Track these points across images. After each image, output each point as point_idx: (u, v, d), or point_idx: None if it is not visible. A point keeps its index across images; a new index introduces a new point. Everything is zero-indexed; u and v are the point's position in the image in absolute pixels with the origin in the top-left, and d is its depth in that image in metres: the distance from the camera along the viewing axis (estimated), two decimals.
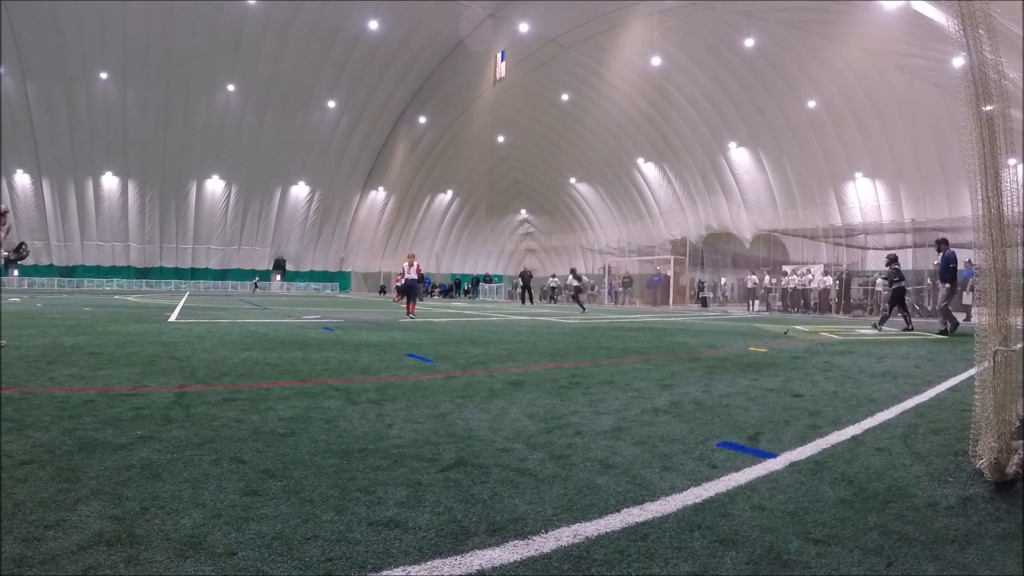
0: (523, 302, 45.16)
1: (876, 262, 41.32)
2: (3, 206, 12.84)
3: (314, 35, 57.50)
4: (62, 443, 4.83)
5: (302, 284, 75.33)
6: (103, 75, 57.71)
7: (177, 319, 16.74)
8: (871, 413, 6.62)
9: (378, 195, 78.09)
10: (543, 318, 25.62)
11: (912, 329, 19.91)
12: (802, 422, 6.15)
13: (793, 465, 4.57)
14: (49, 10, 50.78)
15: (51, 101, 57.80)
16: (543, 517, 3.53)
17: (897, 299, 20.73)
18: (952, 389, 8.26)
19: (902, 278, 20.89)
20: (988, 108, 4.53)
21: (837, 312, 35.46)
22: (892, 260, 21.17)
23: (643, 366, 9.78)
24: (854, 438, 5.57)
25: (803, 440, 5.44)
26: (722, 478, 4.35)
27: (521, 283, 46.22)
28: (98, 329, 15.38)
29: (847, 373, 9.67)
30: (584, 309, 36.77)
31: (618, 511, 3.66)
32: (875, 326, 20.17)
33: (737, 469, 4.55)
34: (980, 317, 4.58)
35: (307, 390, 7.41)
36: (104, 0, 51.06)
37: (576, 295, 41.21)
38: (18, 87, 56.73)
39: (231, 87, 62.36)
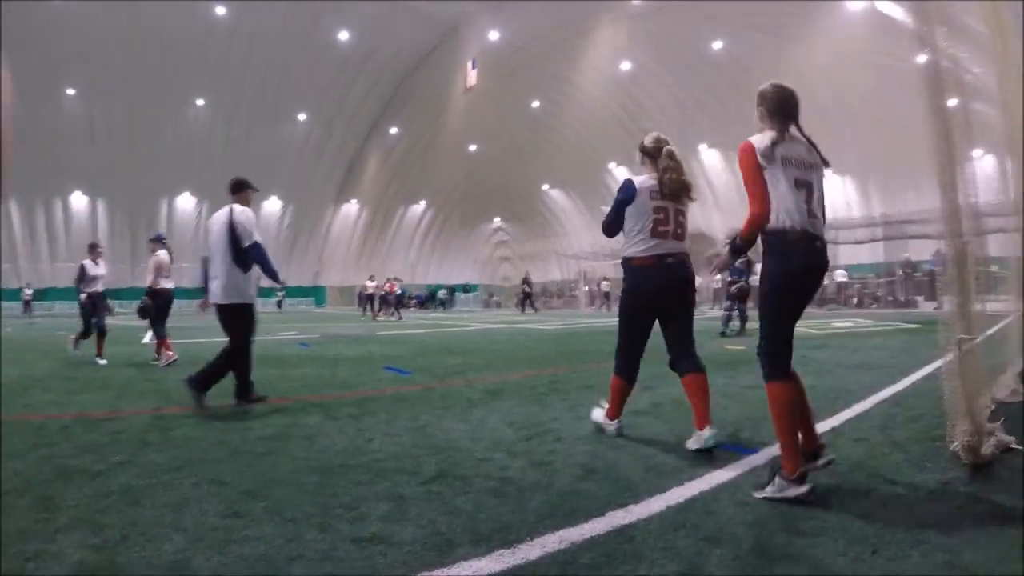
0: (523, 310, 44.72)
1: (848, 257, 41.69)
2: None
3: (282, 47, 56.90)
4: (39, 471, 4.77)
5: (274, 298, 74.94)
6: (70, 91, 57.02)
7: (151, 340, 16.56)
8: (849, 404, 6.70)
9: (351, 207, 77.36)
10: (520, 325, 25.63)
11: (743, 334, 16.43)
12: None
13: (775, 460, 4.58)
14: (13, 27, 50.22)
15: (16, 119, 57.01)
16: (527, 524, 3.52)
17: (740, 296, 17.16)
18: (928, 377, 8.34)
19: (742, 274, 16.95)
20: (949, 103, 4.58)
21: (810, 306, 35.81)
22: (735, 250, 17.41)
23: (598, 372, 9.78)
24: (833, 429, 5.67)
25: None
26: (704, 476, 4.37)
27: (526, 290, 45.81)
28: (71, 353, 15.25)
29: (824, 367, 9.79)
30: (536, 310, 41.34)
31: (603, 514, 3.66)
32: (722, 334, 16.39)
33: (720, 466, 4.57)
34: (944, 306, 4.65)
35: (285, 408, 7.39)
36: (68, 16, 50.56)
37: (526, 299, 43.57)
38: None
39: (200, 101, 61.71)
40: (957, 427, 4.43)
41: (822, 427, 5.68)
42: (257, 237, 7.73)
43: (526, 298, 43.80)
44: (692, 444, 5.04)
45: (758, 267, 4.72)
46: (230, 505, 3.95)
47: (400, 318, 34.19)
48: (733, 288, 17.12)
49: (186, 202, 69.40)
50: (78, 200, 64.91)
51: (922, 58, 4.64)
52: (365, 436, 5.84)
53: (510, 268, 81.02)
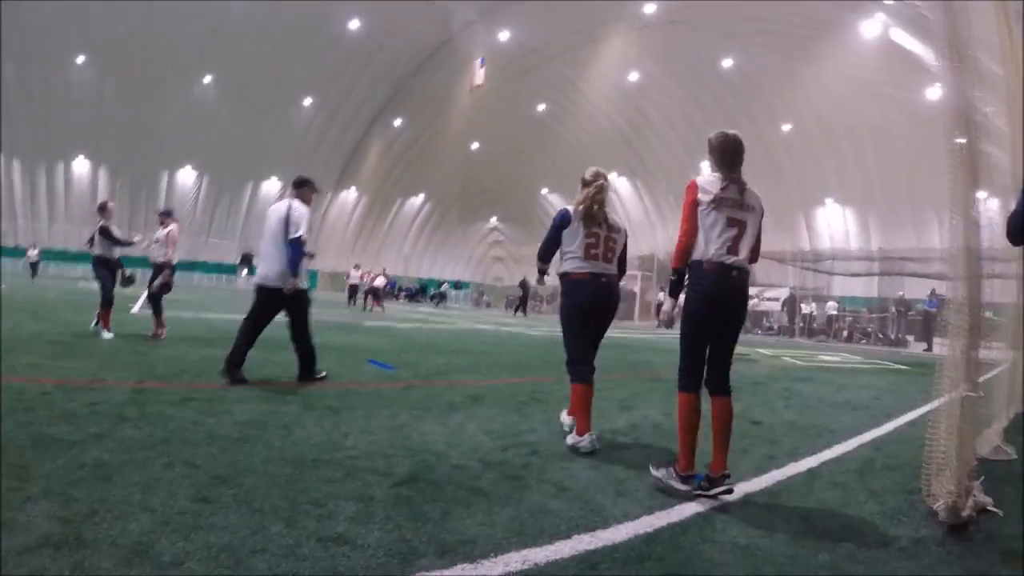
0: (515, 312, 44.96)
1: (843, 288, 41.64)
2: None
3: (294, 31, 56.94)
4: (15, 438, 4.75)
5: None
6: (80, 59, 57.02)
7: (139, 310, 16.52)
8: (829, 445, 6.67)
9: (349, 195, 77.65)
10: (509, 328, 25.62)
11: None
12: (759, 451, 6.19)
13: (747, 497, 4.59)
14: None
15: (26, 82, 56.91)
16: (493, 540, 3.52)
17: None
18: (911, 423, 8.31)
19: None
20: (963, 141, 4.59)
21: (799, 336, 35.71)
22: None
23: (604, 384, 9.67)
24: (810, 471, 5.62)
25: (759, 471, 5.47)
26: (676, 507, 4.36)
27: (521, 292, 46.06)
28: (60, 317, 15.21)
29: (807, 402, 9.75)
30: (525, 315, 41.84)
31: (569, 537, 3.65)
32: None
33: (692, 498, 4.55)
34: (945, 350, 4.64)
35: (265, 395, 7.35)
36: None
37: (521, 303, 44.49)
38: None
39: (208, 79, 61.80)
40: (937, 483, 4.42)
41: (799, 467, 5.69)
42: (302, 233, 8.25)
43: (521, 302, 44.10)
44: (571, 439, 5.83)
45: None
46: (200, 490, 3.95)
47: (383, 309, 34.19)
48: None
49: (187, 176, 69.31)
50: (80, 165, 64.77)
51: (934, 92, 4.69)
52: (341, 431, 5.84)
53: (503, 269, 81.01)
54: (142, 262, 14.40)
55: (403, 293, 65.84)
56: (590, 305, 6.15)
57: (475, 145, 68.33)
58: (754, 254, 4.93)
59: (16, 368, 7.73)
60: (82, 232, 61.31)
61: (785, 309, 39.42)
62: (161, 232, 12.93)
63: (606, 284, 6.16)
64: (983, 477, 4.63)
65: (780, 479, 5.26)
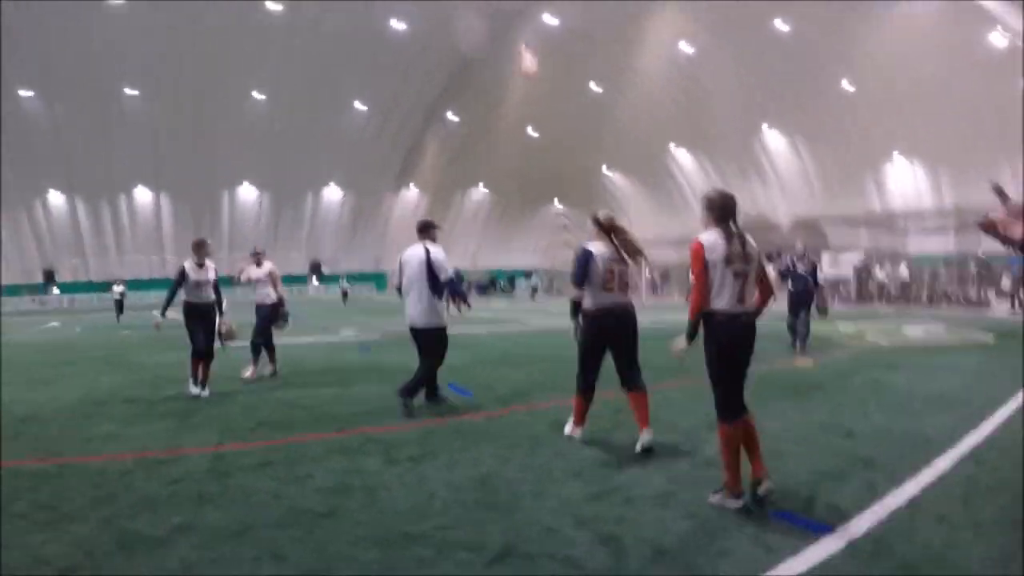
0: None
1: (918, 247, 40.48)
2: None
3: (338, 37, 57.18)
4: (99, 540, 4.71)
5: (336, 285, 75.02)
6: (129, 91, 57.98)
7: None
8: (928, 460, 6.27)
9: (411, 193, 78.07)
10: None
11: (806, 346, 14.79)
12: (858, 476, 5.88)
13: (851, 545, 4.33)
14: (74, 33, 51.15)
15: (79, 120, 58.00)
16: None
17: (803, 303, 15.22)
18: (1006, 425, 7.77)
19: (805, 280, 15.17)
20: None
21: (877, 302, 34.80)
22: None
23: (680, 395, 9.35)
24: (912, 502, 5.24)
25: (860, 504, 5.14)
26: (778, 566, 4.11)
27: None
28: (134, 361, 15.34)
29: (898, 398, 9.33)
30: None
31: None
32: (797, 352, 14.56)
33: (794, 551, 4.29)
34: None
35: (345, 444, 7.27)
36: (123, 17, 51.39)
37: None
38: (47, 109, 57.28)
39: (257, 94, 62.48)
40: None
41: (901, 495, 5.36)
42: (451, 272, 9.18)
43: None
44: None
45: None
46: None
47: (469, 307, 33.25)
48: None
49: (247, 192, 70.20)
50: (142, 194, 66.07)
51: (998, 39, 4.39)
52: (427, 489, 5.71)
53: (571, 253, 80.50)
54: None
55: (473, 288, 65.73)
56: (607, 334, 7.27)
57: (532, 131, 67.97)
58: (765, 295, 5.59)
59: (94, 442, 7.76)
60: (151, 259, 62.62)
61: (857, 277, 38.56)
62: (260, 271, 12.71)
63: (620, 314, 7.19)
64: None
65: (882, 515, 4.93)
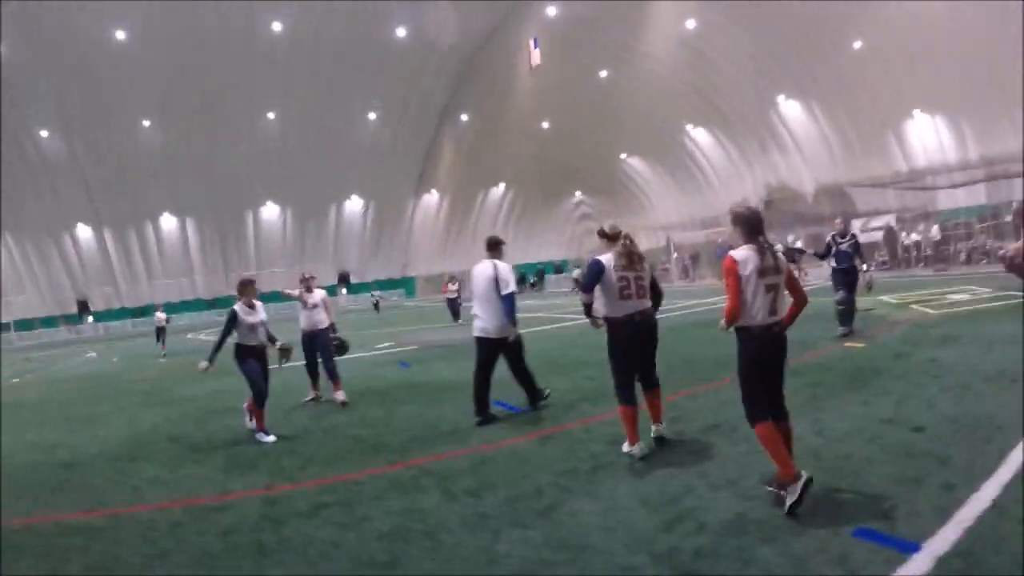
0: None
1: (946, 201, 39.68)
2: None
3: (343, 51, 57.61)
4: None
5: (366, 294, 75.20)
6: (145, 123, 58.56)
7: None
8: (1003, 454, 5.87)
9: (431, 197, 78.07)
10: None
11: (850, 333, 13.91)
12: (934, 479, 5.53)
13: (939, 562, 4.03)
14: (83, 71, 51.77)
15: (99, 155, 58.82)
16: None
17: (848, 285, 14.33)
18: None
19: (850, 257, 14.39)
20: None
21: (915, 267, 34.11)
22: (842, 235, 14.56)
23: (733, 395, 9.02)
24: (996, 505, 4.88)
25: (942, 513, 4.81)
26: None
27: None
28: (175, 394, 15.20)
29: (959, 379, 8.88)
30: None
31: None
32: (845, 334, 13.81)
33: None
34: None
35: (399, 480, 7.03)
36: (130, 55, 52.44)
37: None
38: (67, 147, 58.16)
39: (271, 115, 62.81)
40: None
41: (982, 499, 5.00)
42: (513, 288, 9.65)
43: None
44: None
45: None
46: None
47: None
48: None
49: (270, 211, 70.65)
50: (167, 221, 66.85)
51: None
52: (490, 528, 5.45)
53: (595, 241, 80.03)
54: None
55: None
56: (629, 340, 7.45)
57: (545, 124, 67.73)
58: (800, 302, 5.80)
59: (141, 489, 7.61)
60: (181, 282, 63.31)
61: (886, 241, 37.97)
62: (316, 297, 12.50)
63: (641, 321, 7.42)
64: None
65: (967, 523, 4.58)
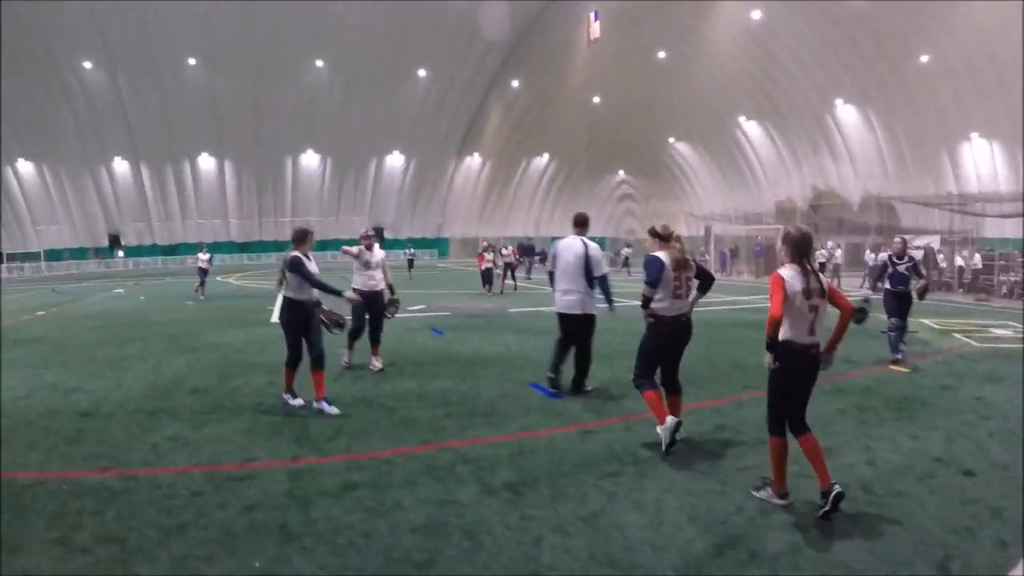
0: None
1: (995, 231, 38.61)
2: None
3: (400, 4, 57.18)
4: None
5: (400, 251, 75.00)
6: (191, 61, 58.51)
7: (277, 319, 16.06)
8: None
9: (473, 161, 77.91)
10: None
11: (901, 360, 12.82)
12: (987, 531, 5.18)
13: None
14: (133, 5, 51.59)
15: (142, 91, 58.68)
16: None
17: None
18: None
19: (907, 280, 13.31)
20: None
21: (957, 289, 33.25)
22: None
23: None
24: None
25: (995, 569, 4.52)
26: None
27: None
28: (201, 341, 14.93)
29: (1008, 423, 8.39)
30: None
31: None
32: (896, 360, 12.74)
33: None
34: None
35: (433, 464, 6.71)
36: None
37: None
38: (110, 80, 58.05)
39: (319, 63, 62.58)
40: None
41: None
42: (606, 269, 9.90)
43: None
44: None
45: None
46: None
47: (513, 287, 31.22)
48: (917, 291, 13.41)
49: (310, 159, 70.40)
50: (206, 161, 66.75)
51: None
52: (532, 533, 5.10)
53: (635, 222, 79.34)
54: None
55: (536, 257, 65.04)
56: (669, 340, 7.70)
57: (596, 99, 67.29)
58: (847, 311, 5.84)
59: (161, 448, 7.29)
60: (215, 224, 63.40)
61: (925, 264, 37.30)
62: (378, 256, 11.78)
63: (684, 321, 7.65)
64: None
65: None
